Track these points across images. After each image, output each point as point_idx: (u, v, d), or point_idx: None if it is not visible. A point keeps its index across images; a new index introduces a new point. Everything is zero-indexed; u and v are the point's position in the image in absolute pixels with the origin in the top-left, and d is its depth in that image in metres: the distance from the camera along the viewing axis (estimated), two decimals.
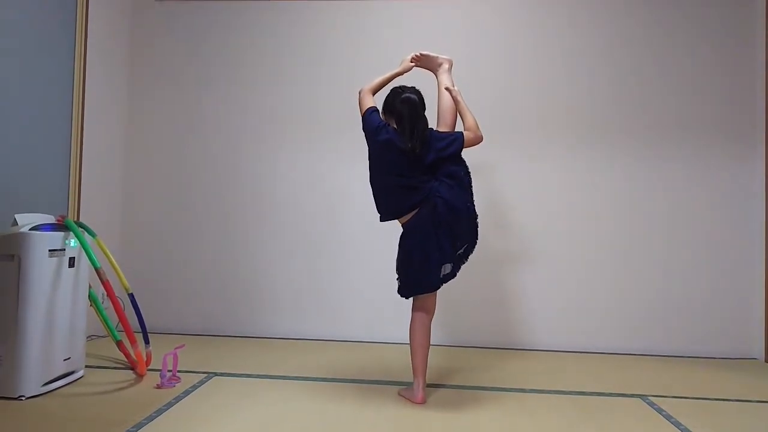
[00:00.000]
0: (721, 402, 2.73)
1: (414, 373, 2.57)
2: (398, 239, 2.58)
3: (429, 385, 2.83)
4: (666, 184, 3.72)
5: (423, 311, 2.60)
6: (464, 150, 2.55)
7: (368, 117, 2.56)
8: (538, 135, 3.77)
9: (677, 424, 2.38)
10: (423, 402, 2.51)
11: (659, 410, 2.56)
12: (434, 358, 3.38)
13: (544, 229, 3.75)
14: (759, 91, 3.68)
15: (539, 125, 3.77)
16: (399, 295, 2.61)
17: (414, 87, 2.62)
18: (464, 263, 2.64)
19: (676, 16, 3.75)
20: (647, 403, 2.65)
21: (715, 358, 3.61)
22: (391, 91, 2.64)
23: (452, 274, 2.59)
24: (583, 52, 3.78)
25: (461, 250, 2.57)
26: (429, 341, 2.58)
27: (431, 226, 2.47)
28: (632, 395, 2.77)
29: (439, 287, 2.59)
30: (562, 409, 2.54)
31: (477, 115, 2.61)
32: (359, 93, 2.65)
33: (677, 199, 3.71)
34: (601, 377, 3.09)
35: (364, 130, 2.57)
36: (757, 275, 3.66)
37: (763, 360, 3.58)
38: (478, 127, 2.57)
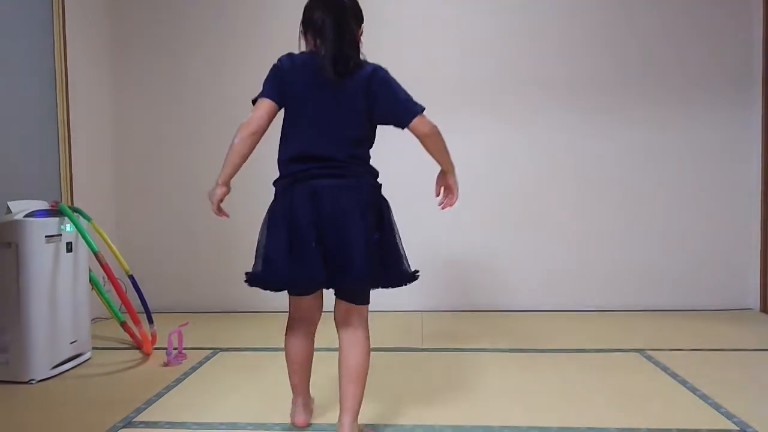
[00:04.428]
0: (718, 352, 2.78)
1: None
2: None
3: (428, 350, 2.89)
4: (659, 134, 3.70)
5: None
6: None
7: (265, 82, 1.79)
8: (529, 94, 3.74)
9: (674, 376, 2.44)
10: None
11: (657, 363, 2.61)
12: (429, 323, 3.44)
13: (539, 190, 3.75)
14: (756, 33, 3.62)
15: (528, 83, 3.74)
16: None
17: None
18: None
19: None
20: (645, 357, 2.71)
21: (711, 310, 3.65)
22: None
23: None
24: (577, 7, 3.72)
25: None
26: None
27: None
28: (630, 350, 2.82)
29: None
30: (561, 366, 2.59)
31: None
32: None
33: (670, 149, 3.70)
34: (599, 335, 3.14)
35: (265, 87, 1.78)
36: (752, 225, 3.68)
37: (759, 309, 3.64)
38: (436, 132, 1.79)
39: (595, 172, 3.74)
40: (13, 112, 2.97)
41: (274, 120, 1.78)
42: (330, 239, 1.68)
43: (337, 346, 1.82)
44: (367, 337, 1.81)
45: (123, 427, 1.98)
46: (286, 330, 1.90)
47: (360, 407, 1.79)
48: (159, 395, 2.28)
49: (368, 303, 1.83)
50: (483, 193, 3.68)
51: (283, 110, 1.79)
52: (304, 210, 1.68)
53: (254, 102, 1.77)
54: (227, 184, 1.78)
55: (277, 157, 1.80)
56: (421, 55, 3.69)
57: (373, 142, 1.83)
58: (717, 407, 2.09)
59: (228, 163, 1.74)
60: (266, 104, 1.74)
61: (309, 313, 1.88)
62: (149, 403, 2.20)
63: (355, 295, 1.80)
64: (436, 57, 3.73)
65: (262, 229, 1.77)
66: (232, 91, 3.76)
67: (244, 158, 1.74)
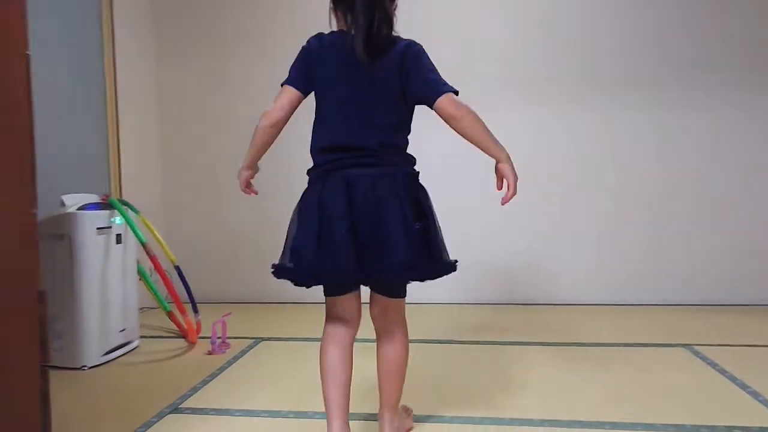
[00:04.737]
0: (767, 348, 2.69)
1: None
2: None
3: (467, 342, 2.88)
4: (703, 122, 3.59)
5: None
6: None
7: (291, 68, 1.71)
8: (572, 84, 3.67)
9: (722, 372, 2.36)
10: None
11: (704, 358, 2.54)
12: (468, 315, 3.42)
13: (578, 180, 3.68)
14: None
15: (574, 74, 3.67)
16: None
17: None
18: None
19: None
20: (692, 352, 2.63)
21: (762, 305, 3.53)
22: None
23: None
24: None
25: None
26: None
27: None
28: (676, 345, 2.75)
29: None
30: (604, 361, 2.54)
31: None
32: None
33: (709, 144, 3.59)
34: (644, 329, 3.06)
35: (291, 72, 1.69)
36: None
37: None
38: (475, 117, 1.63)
39: (636, 163, 3.65)
40: (65, 112, 3.08)
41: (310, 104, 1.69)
42: (365, 229, 1.56)
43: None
44: (405, 332, 1.75)
45: (170, 413, 2.04)
46: (322, 339, 1.70)
47: (399, 400, 1.76)
48: (204, 383, 2.35)
49: (405, 296, 1.75)
50: (524, 183, 3.63)
51: (314, 94, 1.69)
52: (336, 199, 1.57)
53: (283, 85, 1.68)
54: (252, 168, 1.79)
55: (309, 147, 1.70)
56: (461, 40, 3.66)
57: (410, 128, 1.71)
58: (767, 404, 2.03)
59: (250, 150, 1.73)
60: (289, 93, 1.65)
61: (345, 315, 1.69)
62: (195, 390, 2.27)
63: (392, 288, 1.71)
64: (475, 40, 3.69)
65: (292, 219, 1.68)
66: (275, 77, 3.80)
67: (267, 146, 1.72)
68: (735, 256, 3.60)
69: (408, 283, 1.73)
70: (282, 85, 1.68)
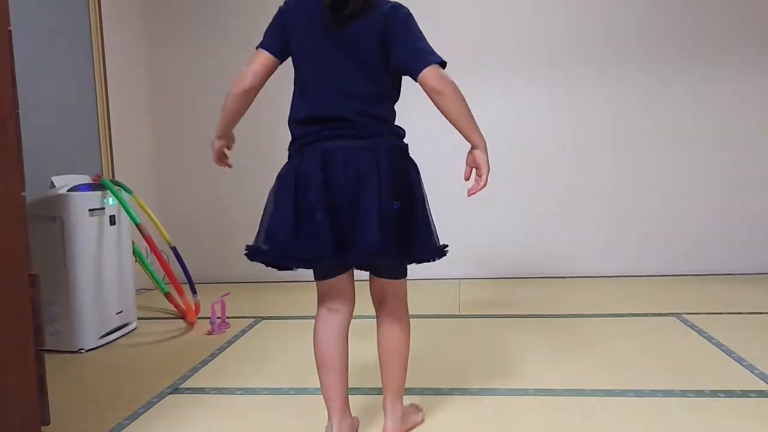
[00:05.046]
0: (756, 315, 2.73)
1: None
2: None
3: (465, 316, 2.87)
4: (700, 93, 3.55)
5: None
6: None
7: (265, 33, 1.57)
8: (575, 56, 3.61)
9: (710, 339, 2.40)
10: None
11: (693, 326, 2.57)
12: (466, 290, 3.41)
13: (583, 152, 3.64)
14: None
15: (579, 45, 3.60)
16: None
17: None
18: None
19: None
20: (681, 321, 2.66)
21: (751, 274, 3.56)
22: None
23: None
24: None
25: None
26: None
27: None
28: (667, 314, 2.77)
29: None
30: (597, 331, 2.56)
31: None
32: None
33: (720, 117, 3.56)
34: (636, 299, 3.08)
35: (265, 35, 1.56)
36: None
37: None
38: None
39: (633, 134, 3.62)
40: (53, 91, 3.01)
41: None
42: (341, 208, 1.43)
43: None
44: (406, 315, 1.63)
45: (171, 393, 2.02)
46: (315, 325, 1.60)
47: (403, 387, 1.64)
48: (204, 362, 2.32)
49: (404, 277, 1.61)
50: (517, 158, 3.60)
51: (291, 60, 1.54)
52: (312, 175, 1.44)
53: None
54: (225, 137, 1.69)
55: (288, 119, 1.56)
56: (452, 14, 3.58)
57: (397, 98, 1.55)
58: (752, 369, 2.06)
59: (222, 119, 1.62)
60: (263, 57, 1.51)
61: (337, 298, 1.58)
62: (195, 370, 2.25)
63: (386, 269, 1.58)
64: (467, 15, 3.61)
65: (269, 197, 1.54)
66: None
67: (239, 114, 1.59)
68: (723, 226, 3.61)
69: (397, 263, 1.58)
70: (256, 49, 1.54)
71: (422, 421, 1.73)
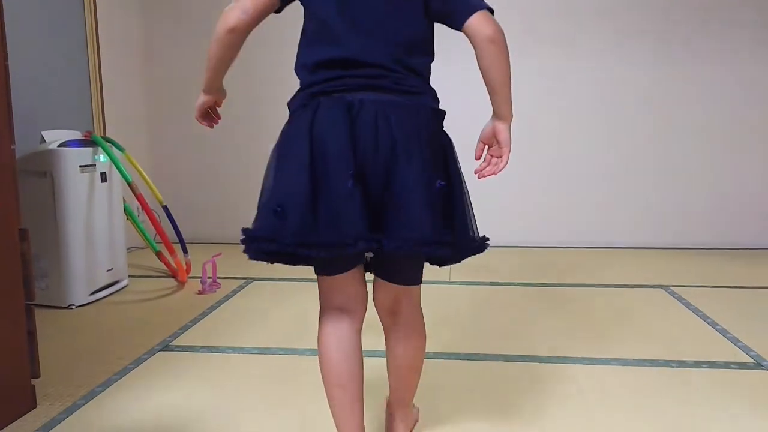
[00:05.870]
0: (742, 289, 2.77)
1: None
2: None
3: (455, 283, 2.88)
4: (695, 73, 3.54)
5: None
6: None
7: None
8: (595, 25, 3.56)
9: (696, 311, 2.44)
10: None
11: (680, 299, 2.60)
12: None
13: (577, 126, 3.63)
14: None
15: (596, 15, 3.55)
16: None
17: None
18: None
19: None
20: (668, 293, 2.70)
21: (739, 248, 3.60)
22: None
23: None
24: None
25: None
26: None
27: None
28: (655, 286, 2.80)
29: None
30: (585, 301, 2.59)
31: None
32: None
33: (710, 96, 3.56)
34: (625, 271, 3.12)
35: None
36: None
37: None
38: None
39: (625, 109, 3.61)
40: (43, 44, 2.94)
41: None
42: (373, 178, 1.12)
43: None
44: (422, 325, 1.36)
45: (161, 350, 2.04)
46: (319, 337, 1.27)
47: (413, 397, 1.44)
48: (194, 321, 2.34)
49: (421, 281, 1.33)
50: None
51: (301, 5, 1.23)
52: (335, 133, 1.11)
53: None
54: (211, 92, 1.42)
55: (294, 65, 1.24)
56: None
57: (433, 52, 1.25)
58: (735, 341, 2.10)
59: (207, 69, 1.33)
60: None
61: (348, 303, 1.26)
62: (185, 328, 2.26)
63: (405, 271, 1.28)
64: None
65: (267, 168, 1.20)
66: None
67: (226, 59, 1.29)
68: (712, 200, 3.63)
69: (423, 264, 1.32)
70: None
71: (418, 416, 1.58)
